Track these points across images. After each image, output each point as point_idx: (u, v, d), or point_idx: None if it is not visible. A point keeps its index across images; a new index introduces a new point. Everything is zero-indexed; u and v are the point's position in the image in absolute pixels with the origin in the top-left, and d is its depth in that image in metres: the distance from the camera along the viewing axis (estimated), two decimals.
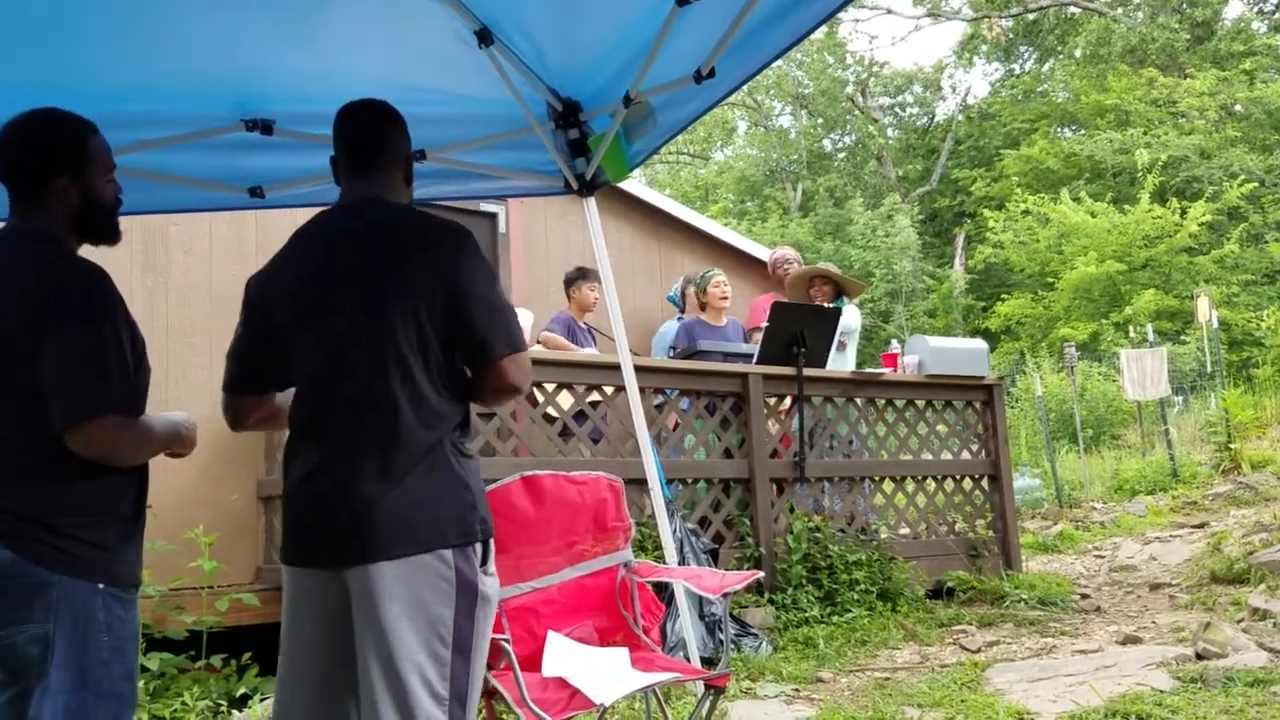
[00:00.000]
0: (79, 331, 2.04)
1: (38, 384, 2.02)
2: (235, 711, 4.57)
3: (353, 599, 2.04)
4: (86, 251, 2.25)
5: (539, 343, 6.38)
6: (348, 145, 2.30)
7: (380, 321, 2.08)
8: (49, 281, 2.07)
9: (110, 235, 2.28)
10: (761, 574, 3.17)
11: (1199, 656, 4.49)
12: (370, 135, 2.29)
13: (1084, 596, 6.57)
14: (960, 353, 7.01)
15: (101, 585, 2.06)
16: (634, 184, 8.32)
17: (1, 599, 1.98)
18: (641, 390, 4.66)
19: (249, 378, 2.30)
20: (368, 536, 2.00)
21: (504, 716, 2.88)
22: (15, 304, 2.04)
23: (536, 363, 5.31)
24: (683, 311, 7.29)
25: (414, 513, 2.02)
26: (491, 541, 2.15)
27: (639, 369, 4.50)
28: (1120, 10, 26.64)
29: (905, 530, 6.76)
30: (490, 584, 2.12)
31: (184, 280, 6.03)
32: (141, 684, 3.56)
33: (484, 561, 2.11)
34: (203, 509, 5.62)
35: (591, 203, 3.91)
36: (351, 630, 2.05)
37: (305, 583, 2.13)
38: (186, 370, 5.72)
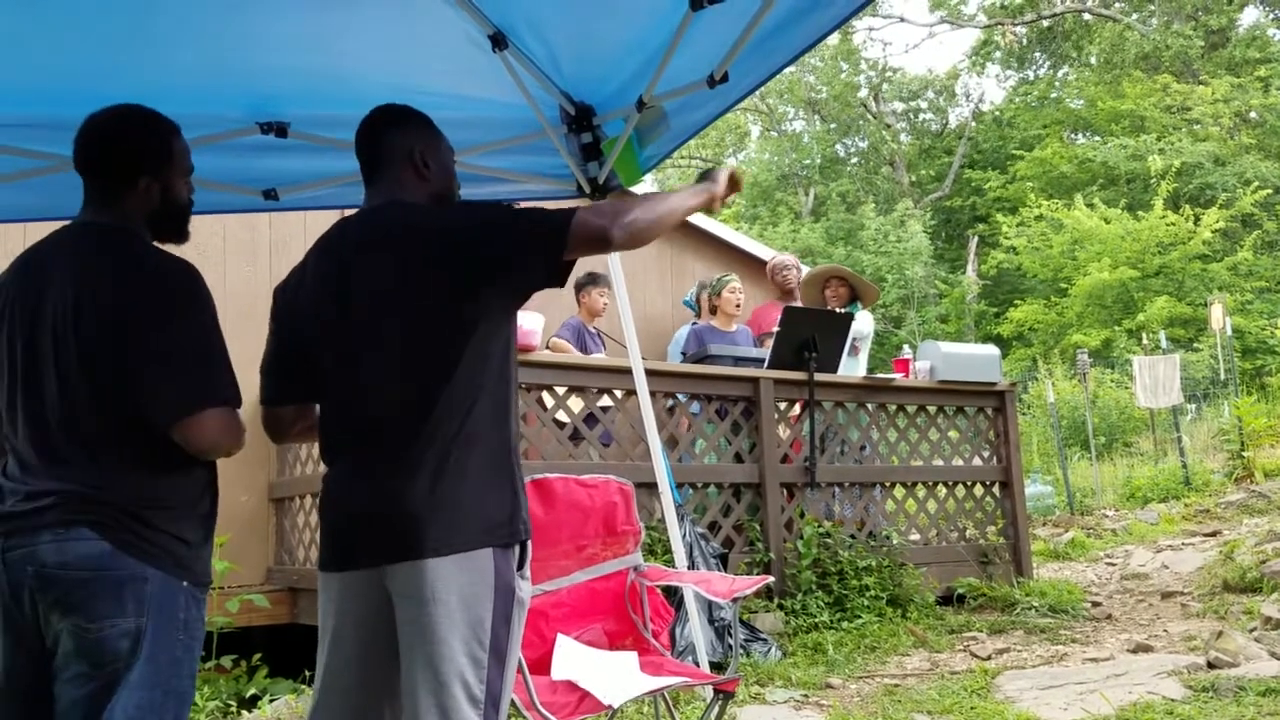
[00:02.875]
0: (182, 324, 2.04)
1: (133, 378, 2.02)
2: (245, 712, 4.59)
3: (395, 599, 2.02)
4: None
5: (548, 348, 6.38)
6: (359, 162, 2.33)
7: (401, 328, 2.07)
8: (145, 275, 2.07)
9: (180, 235, 2.30)
10: (771, 579, 3.17)
11: (1211, 665, 4.47)
12: (364, 151, 2.32)
13: (1095, 604, 6.54)
14: (972, 358, 6.98)
15: (185, 583, 2.06)
16: (646, 188, 8.33)
17: (96, 590, 1.97)
18: (652, 394, 4.65)
19: (285, 389, 2.29)
20: (410, 533, 1.99)
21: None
22: (109, 298, 2.03)
23: (547, 366, 5.32)
24: (698, 316, 7.29)
25: (456, 511, 2.01)
26: (529, 544, 2.14)
27: (650, 373, 4.50)
28: (1135, 17, 26.56)
29: (916, 536, 6.74)
30: (525, 588, 2.10)
31: None
32: None
33: (520, 565, 2.10)
34: None
35: None
36: (391, 632, 2.04)
37: (344, 587, 2.11)
38: None
